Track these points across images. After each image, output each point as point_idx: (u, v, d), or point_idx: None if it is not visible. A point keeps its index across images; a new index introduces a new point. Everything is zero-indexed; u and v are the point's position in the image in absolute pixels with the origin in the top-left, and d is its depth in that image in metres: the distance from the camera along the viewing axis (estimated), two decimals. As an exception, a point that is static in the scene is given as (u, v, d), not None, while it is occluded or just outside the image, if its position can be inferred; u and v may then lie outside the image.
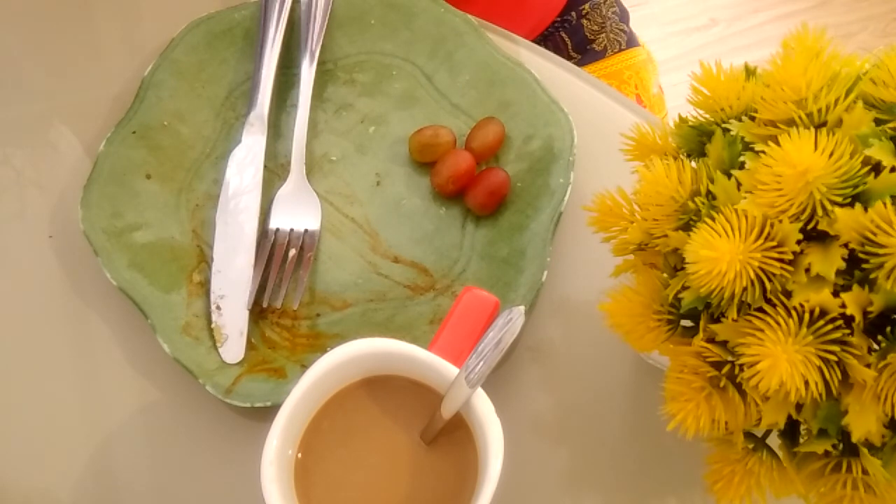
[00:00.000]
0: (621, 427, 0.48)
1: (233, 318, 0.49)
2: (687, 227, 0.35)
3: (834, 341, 0.31)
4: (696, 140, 0.38)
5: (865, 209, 0.30)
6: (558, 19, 0.79)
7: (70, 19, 0.59)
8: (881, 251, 0.30)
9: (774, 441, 0.36)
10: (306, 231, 0.51)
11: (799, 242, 0.31)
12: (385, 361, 0.41)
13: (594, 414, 0.48)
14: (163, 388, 0.48)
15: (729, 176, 0.34)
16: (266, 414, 0.44)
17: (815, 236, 0.32)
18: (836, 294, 0.31)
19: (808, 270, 0.31)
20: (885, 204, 0.30)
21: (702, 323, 0.35)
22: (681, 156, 0.39)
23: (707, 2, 1.60)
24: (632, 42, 0.80)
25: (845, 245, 0.31)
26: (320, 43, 0.56)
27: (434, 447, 0.40)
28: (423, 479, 0.40)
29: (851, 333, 0.31)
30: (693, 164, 0.36)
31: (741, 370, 0.33)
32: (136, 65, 0.56)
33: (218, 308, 0.49)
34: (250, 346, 0.48)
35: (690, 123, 0.39)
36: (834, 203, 0.31)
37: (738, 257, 0.31)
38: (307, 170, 0.53)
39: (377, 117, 0.55)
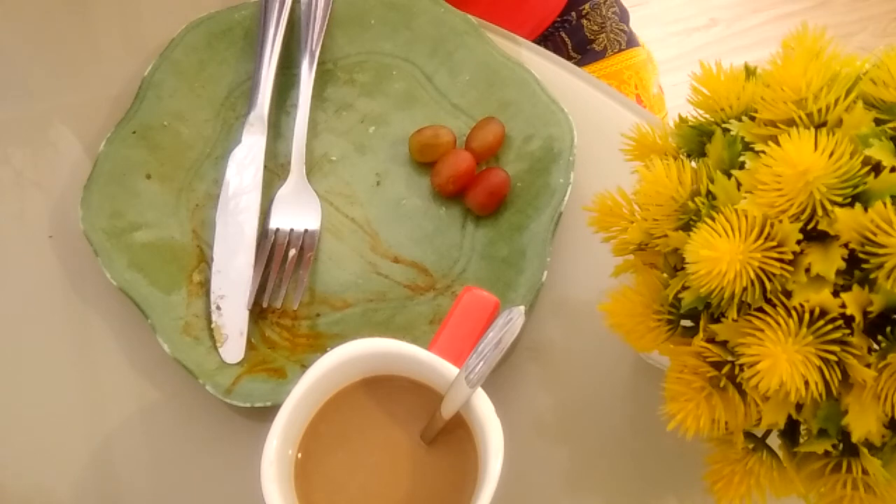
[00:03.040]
0: (621, 427, 0.48)
1: (233, 318, 0.49)
2: (687, 227, 0.35)
3: (834, 341, 0.31)
4: (696, 140, 0.38)
5: (865, 209, 0.30)
6: (558, 19, 0.79)
7: (70, 19, 0.59)
8: (881, 251, 0.30)
9: (774, 441, 0.36)
10: (306, 231, 0.51)
11: (799, 242, 0.31)
12: (385, 361, 0.41)
13: (594, 414, 0.48)
14: (163, 388, 0.48)
15: (729, 176, 0.34)
16: (266, 414, 0.44)
17: (815, 236, 0.32)
18: (836, 294, 0.31)
19: (808, 270, 0.31)
20: (885, 204, 0.30)
21: (702, 323, 0.35)
22: (681, 156, 0.39)
23: (707, 2, 1.60)
24: (632, 42, 0.80)
25: (845, 245, 0.31)
26: (320, 43, 0.56)
27: (434, 447, 0.40)
28: (423, 478, 0.40)
29: (851, 333, 0.31)
30: (693, 164, 0.36)
31: (741, 370, 0.33)
32: (136, 65, 0.56)
33: (218, 308, 0.49)
34: (250, 346, 0.48)
35: (690, 123, 0.39)
36: (834, 203, 0.31)
37: (738, 257, 0.31)
38: (307, 170, 0.53)
39: (377, 117, 0.55)
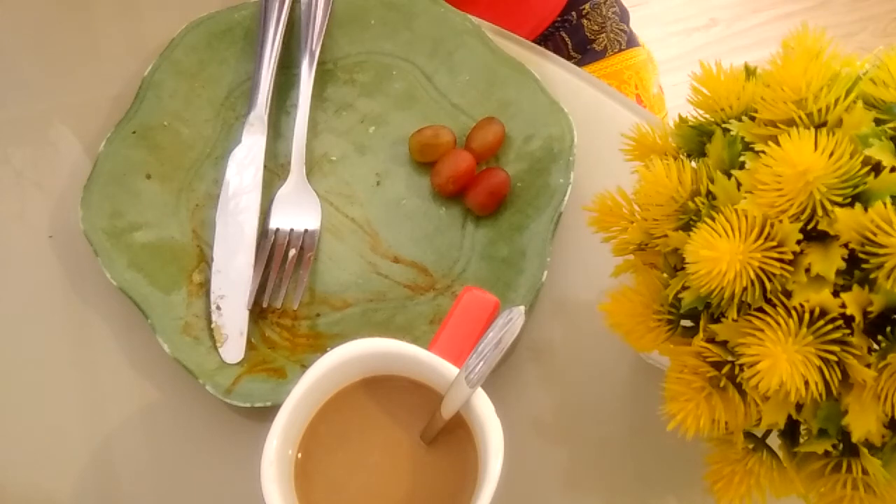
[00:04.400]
0: (621, 427, 0.48)
1: (233, 318, 0.49)
2: (687, 227, 0.35)
3: (834, 341, 0.31)
4: (696, 140, 0.38)
5: (865, 209, 0.30)
6: (558, 19, 0.79)
7: (70, 19, 0.59)
8: (881, 251, 0.30)
9: (774, 441, 0.36)
10: (306, 231, 0.51)
11: (799, 242, 0.31)
12: (385, 361, 0.41)
13: (594, 414, 0.48)
14: (163, 388, 0.48)
15: (729, 176, 0.34)
16: (266, 414, 0.44)
17: (815, 236, 0.32)
18: (836, 294, 0.31)
19: (808, 270, 0.31)
20: (885, 204, 0.30)
21: (702, 323, 0.35)
22: (681, 156, 0.39)
23: (707, 2, 1.60)
24: (632, 42, 0.80)
25: (845, 245, 0.31)
26: (320, 43, 0.56)
27: (434, 447, 0.40)
28: (423, 478, 0.40)
29: (851, 333, 0.31)
30: (693, 164, 0.36)
31: (741, 370, 0.33)
32: (136, 65, 0.56)
33: (218, 308, 0.49)
34: (250, 346, 0.48)
35: (690, 123, 0.39)
36: (834, 203, 0.31)
37: (738, 257, 0.31)
38: (307, 170, 0.53)
39: (377, 117, 0.55)
